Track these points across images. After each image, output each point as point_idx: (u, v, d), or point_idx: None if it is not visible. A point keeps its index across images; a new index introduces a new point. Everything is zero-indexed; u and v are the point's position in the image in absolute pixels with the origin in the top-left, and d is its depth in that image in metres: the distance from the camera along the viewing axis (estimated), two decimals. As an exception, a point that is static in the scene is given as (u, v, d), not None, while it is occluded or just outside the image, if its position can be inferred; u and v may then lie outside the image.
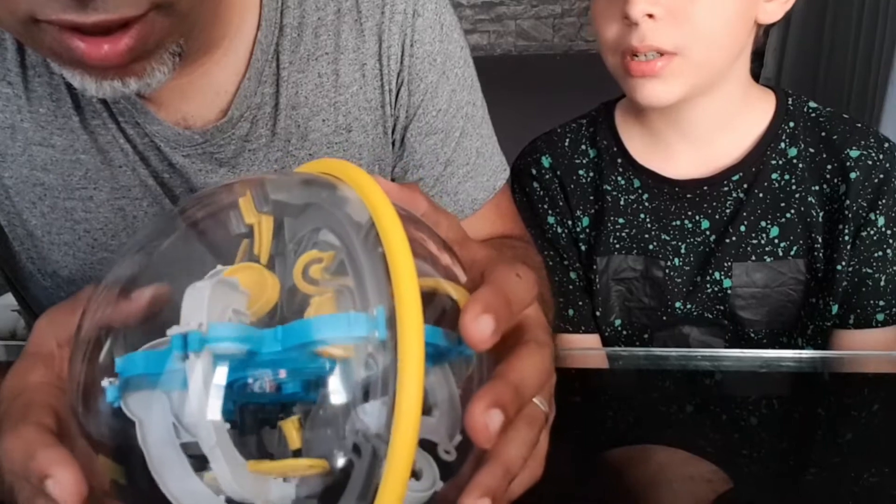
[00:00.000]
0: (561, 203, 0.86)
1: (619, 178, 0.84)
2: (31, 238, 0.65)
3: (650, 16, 0.71)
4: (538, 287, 0.34)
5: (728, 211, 0.81)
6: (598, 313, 0.86)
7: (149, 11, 0.46)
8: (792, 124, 0.81)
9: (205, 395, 0.26)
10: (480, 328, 0.28)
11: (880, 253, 0.79)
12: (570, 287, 0.86)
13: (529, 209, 0.86)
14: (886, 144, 0.79)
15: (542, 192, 0.86)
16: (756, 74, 2.38)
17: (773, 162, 0.80)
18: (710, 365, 0.67)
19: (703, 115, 0.79)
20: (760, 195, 0.80)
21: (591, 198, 0.85)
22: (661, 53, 0.72)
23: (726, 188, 0.81)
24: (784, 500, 0.50)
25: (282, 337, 0.28)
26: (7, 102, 0.60)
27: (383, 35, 0.66)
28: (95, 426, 0.30)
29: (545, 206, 0.86)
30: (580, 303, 0.86)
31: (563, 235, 0.86)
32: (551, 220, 0.86)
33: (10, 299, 0.78)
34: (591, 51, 2.33)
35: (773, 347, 0.83)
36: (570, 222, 0.86)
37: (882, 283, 0.79)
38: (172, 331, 0.27)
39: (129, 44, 0.46)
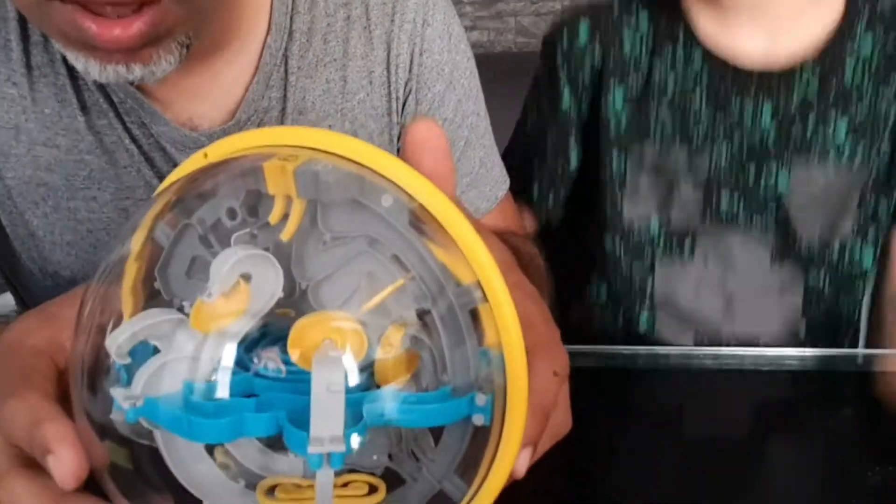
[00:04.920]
0: (584, 81, 0.80)
1: (678, 51, 0.77)
2: (32, 238, 0.65)
3: None
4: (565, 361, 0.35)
5: (794, 103, 0.76)
6: (621, 209, 0.80)
7: None
8: (867, 11, 0.76)
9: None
10: (520, 464, 0.29)
11: None
12: (561, 173, 0.84)
13: (549, 83, 0.83)
14: None
15: (566, 68, 0.81)
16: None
17: (848, 57, 0.76)
18: (712, 364, 0.66)
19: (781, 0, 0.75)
20: (832, 90, 0.76)
21: (633, 70, 0.79)
22: None
23: (797, 78, 0.75)
24: (785, 500, 0.50)
25: (390, 418, 0.27)
26: (12, 103, 0.60)
27: (392, 43, 0.66)
28: (102, 415, 0.28)
29: (562, 84, 0.81)
30: (562, 190, 0.84)
31: (576, 119, 0.82)
32: (566, 99, 0.81)
33: (9, 298, 0.77)
34: (590, 49, 2.32)
35: (827, 255, 0.79)
36: (587, 103, 0.81)
37: None
38: (313, 449, 0.25)
39: (141, 28, 0.46)
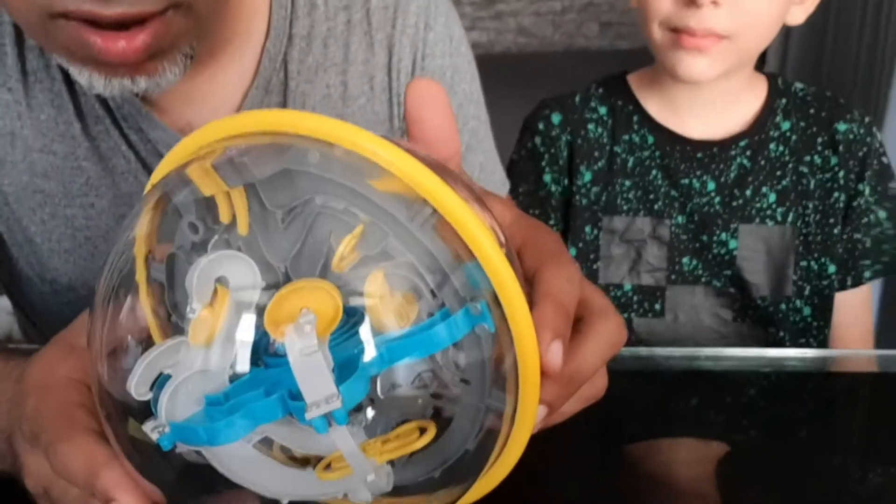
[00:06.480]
0: (561, 161, 0.89)
1: (634, 136, 0.89)
2: (30, 244, 0.64)
3: (714, 2, 0.76)
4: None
5: (733, 175, 0.87)
6: (599, 274, 0.89)
7: (168, 9, 0.46)
8: (784, 101, 0.89)
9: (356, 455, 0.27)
10: (554, 357, 0.28)
11: (867, 219, 0.90)
12: None
13: (531, 163, 0.91)
14: (866, 119, 0.89)
15: (543, 149, 0.90)
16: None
17: (772, 133, 0.88)
18: (712, 365, 0.67)
19: (717, 90, 0.86)
20: (762, 163, 0.87)
21: (596, 154, 0.89)
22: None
23: (733, 152, 0.87)
24: (786, 501, 0.50)
25: (388, 358, 0.27)
26: (7, 109, 0.59)
27: (394, 48, 0.65)
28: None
29: (543, 164, 0.90)
30: None
31: (556, 194, 0.90)
32: (547, 178, 0.89)
33: (5, 302, 0.77)
34: (591, 48, 2.32)
35: (778, 313, 0.88)
36: (566, 181, 0.90)
37: (868, 245, 0.90)
38: (311, 413, 0.25)
39: (145, 41, 0.46)
